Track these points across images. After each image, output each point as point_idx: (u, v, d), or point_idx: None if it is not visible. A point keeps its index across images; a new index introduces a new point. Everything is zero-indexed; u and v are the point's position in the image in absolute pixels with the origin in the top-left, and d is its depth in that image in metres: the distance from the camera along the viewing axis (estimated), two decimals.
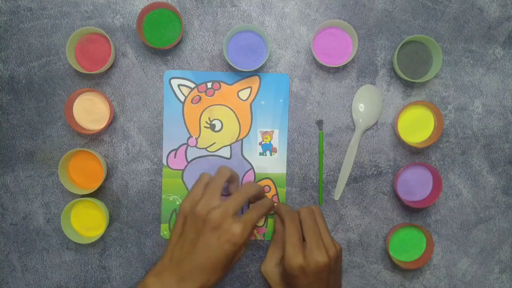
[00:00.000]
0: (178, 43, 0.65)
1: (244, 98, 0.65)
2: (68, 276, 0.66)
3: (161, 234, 0.66)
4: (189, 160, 0.66)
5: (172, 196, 0.66)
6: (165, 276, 0.55)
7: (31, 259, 0.66)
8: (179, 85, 0.65)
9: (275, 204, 0.62)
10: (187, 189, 0.66)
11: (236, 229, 0.54)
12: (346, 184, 0.66)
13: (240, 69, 0.63)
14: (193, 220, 0.56)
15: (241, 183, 0.66)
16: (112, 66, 0.66)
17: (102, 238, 0.66)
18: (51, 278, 0.66)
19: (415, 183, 0.65)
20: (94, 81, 0.66)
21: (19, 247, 0.66)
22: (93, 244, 0.66)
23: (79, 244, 0.66)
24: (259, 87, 0.65)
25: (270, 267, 0.61)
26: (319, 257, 0.55)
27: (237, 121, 0.65)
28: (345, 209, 0.66)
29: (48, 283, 0.66)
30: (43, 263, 0.66)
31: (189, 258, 0.55)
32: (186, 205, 0.57)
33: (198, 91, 0.65)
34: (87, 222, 0.65)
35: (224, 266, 0.55)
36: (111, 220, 0.66)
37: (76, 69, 0.63)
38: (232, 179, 0.61)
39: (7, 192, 0.66)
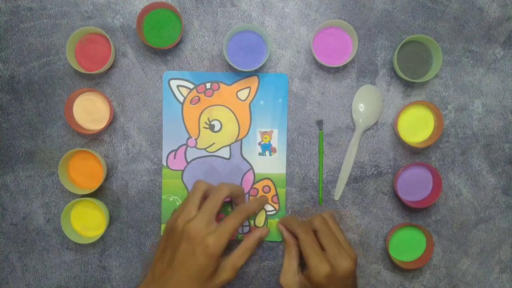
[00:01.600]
0: (178, 43, 0.65)
1: (243, 98, 0.65)
2: (68, 276, 0.66)
3: (162, 234, 0.66)
4: (188, 160, 0.66)
5: (172, 197, 0.66)
6: (148, 285, 0.55)
7: (31, 259, 0.66)
8: (178, 86, 0.65)
9: (285, 217, 0.62)
10: (187, 189, 0.66)
11: (209, 241, 0.53)
12: (346, 184, 0.66)
13: (240, 69, 0.63)
14: (172, 234, 0.56)
15: (241, 184, 0.66)
16: (112, 66, 0.66)
17: (102, 238, 0.66)
18: (51, 278, 0.66)
19: (415, 183, 0.65)
20: (94, 81, 0.66)
21: (19, 247, 0.66)
22: (93, 244, 0.66)
23: (79, 244, 0.66)
24: (258, 87, 0.65)
25: (290, 278, 0.60)
26: (344, 264, 0.55)
27: (236, 121, 0.65)
28: (345, 209, 0.66)
29: (48, 283, 0.66)
30: (43, 263, 0.66)
31: (168, 273, 0.54)
32: (172, 221, 0.57)
33: (197, 91, 0.65)
34: (87, 222, 0.65)
35: (204, 280, 0.54)
36: (111, 220, 0.66)
37: (76, 69, 0.63)
38: (235, 196, 0.60)
39: (7, 192, 0.66)
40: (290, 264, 0.61)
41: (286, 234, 0.62)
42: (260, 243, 0.63)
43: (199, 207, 0.57)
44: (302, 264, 0.60)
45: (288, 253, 0.61)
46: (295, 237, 0.60)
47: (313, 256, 0.55)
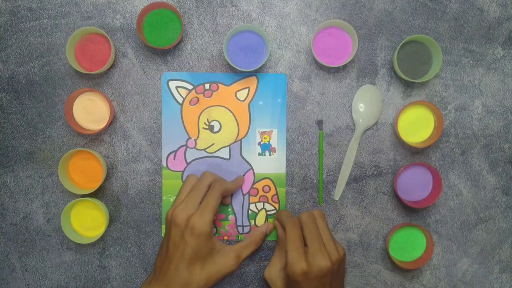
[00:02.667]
0: (178, 43, 0.65)
1: (242, 99, 0.65)
2: (68, 276, 0.66)
3: (162, 235, 0.66)
4: (188, 161, 0.66)
5: (173, 198, 0.66)
6: (152, 286, 0.57)
7: (31, 259, 0.66)
8: (177, 87, 0.65)
9: (278, 211, 0.62)
10: None
11: (193, 220, 0.55)
12: (346, 184, 0.66)
13: (240, 69, 0.63)
14: (167, 227, 0.58)
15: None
16: (112, 66, 0.66)
17: (102, 238, 0.66)
18: (51, 278, 0.66)
19: (415, 183, 0.65)
20: (94, 81, 0.66)
21: (19, 247, 0.66)
22: (93, 244, 0.66)
23: (79, 244, 0.66)
24: (257, 87, 0.65)
25: (274, 272, 0.61)
26: (321, 262, 0.55)
27: (235, 121, 0.65)
28: (345, 209, 0.66)
29: (48, 283, 0.66)
30: (43, 263, 0.66)
31: (166, 264, 0.56)
32: (167, 213, 0.60)
33: (196, 92, 0.65)
34: (87, 222, 0.65)
35: (201, 262, 0.56)
36: (111, 220, 0.66)
37: (76, 69, 0.63)
38: (227, 194, 0.63)
39: (7, 192, 0.66)
40: (277, 262, 0.61)
41: (280, 230, 0.62)
42: (265, 238, 0.64)
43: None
44: None
45: (279, 248, 0.62)
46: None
47: (292, 252, 0.56)
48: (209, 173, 0.61)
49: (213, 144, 0.66)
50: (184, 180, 0.66)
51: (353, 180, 0.66)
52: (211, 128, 0.65)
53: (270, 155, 0.66)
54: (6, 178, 0.66)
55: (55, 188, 0.66)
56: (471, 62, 0.66)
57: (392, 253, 0.65)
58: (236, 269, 0.59)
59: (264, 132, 0.66)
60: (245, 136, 0.66)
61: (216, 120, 0.65)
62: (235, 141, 0.66)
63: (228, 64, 0.65)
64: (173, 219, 0.57)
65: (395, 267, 0.66)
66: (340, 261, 0.57)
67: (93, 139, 0.66)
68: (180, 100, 0.66)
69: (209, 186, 0.60)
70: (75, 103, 0.65)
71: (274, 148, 0.66)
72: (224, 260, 0.58)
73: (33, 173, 0.66)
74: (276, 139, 0.65)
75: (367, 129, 0.66)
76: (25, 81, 0.66)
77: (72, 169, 0.65)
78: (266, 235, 0.64)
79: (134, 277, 0.66)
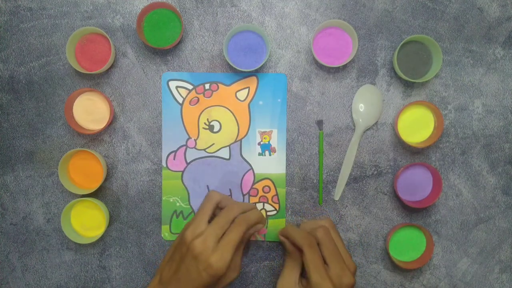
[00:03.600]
0: (178, 43, 0.65)
1: (242, 99, 0.65)
2: (68, 276, 0.66)
3: (162, 235, 0.66)
4: (188, 161, 0.66)
5: (172, 198, 0.66)
6: None
7: (31, 259, 0.66)
8: (177, 87, 0.65)
9: (286, 228, 0.60)
10: (187, 190, 0.66)
11: (213, 260, 0.54)
12: (346, 184, 0.66)
13: (240, 69, 0.63)
14: (180, 245, 0.57)
15: (241, 184, 0.66)
16: (112, 66, 0.66)
17: (102, 238, 0.66)
18: (51, 278, 0.66)
19: (415, 183, 0.65)
20: (94, 81, 0.66)
21: (19, 247, 0.66)
22: (93, 244, 0.66)
23: (79, 244, 0.66)
24: (257, 87, 0.65)
25: (288, 285, 0.58)
26: (346, 280, 0.55)
27: (235, 121, 0.65)
28: (345, 209, 0.66)
29: (48, 283, 0.66)
30: (43, 263, 0.66)
31: (174, 281, 0.55)
32: (183, 232, 0.58)
33: (196, 92, 0.65)
34: (87, 222, 0.65)
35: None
36: (111, 220, 0.66)
37: (76, 69, 0.63)
38: (222, 205, 0.61)
39: (7, 192, 0.66)
40: (291, 274, 0.59)
41: (289, 245, 0.59)
42: (248, 240, 0.63)
43: (209, 220, 0.58)
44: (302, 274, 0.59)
45: (290, 262, 0.60)
46: (298, 248, 0.58)
47: (316, 273, 0.55)
48: (238, 204, 0.59)
49: (213, 144, 0.66)
50: (185, 183, 0.66)
51: (353, 180, 0.66)
52: (211, 128, 0.65)
53: (270, 155, 0.66)
54: (6, 178, 0.66)
55: (55, 188, 0.66)
56: (471, 62, 0.66)
57: (392, 253, 0.64)
58: (239, 275, 0.59)
59: (264, 132, 0.66)
60: (245, 136, 0.66)
61: (216, 120, 0.65)
62: (235, 141, 0.66)
63: (228, 64, 0.65)
64: (191, 248, 0.55)
65: (395, 267, 0.66)
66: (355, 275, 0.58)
67: (93, 139, 0.66)
68: (180, 100, 0.66)
69: (233, 218, 0.58)
70: (75, 103, 0.65)
71: (274, 148, 0.66)
72: (228, 276, 0.57)
73: (33, 173, 0.66)
74: (276, 139, 0.65)
75: (367, 129, 0.66)
76: (25, 81, 0.66)
77: (72, 169, 0.65)
78: (250, 237, 0.62)
79: (134, 277, 0.66)
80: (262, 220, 0.60)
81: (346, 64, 0.65)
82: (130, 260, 0.66)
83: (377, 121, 0.66)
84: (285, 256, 0.61)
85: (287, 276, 0.59)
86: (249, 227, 0.58)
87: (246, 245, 0.61)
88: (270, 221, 0.66)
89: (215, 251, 0.54)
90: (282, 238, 0.60)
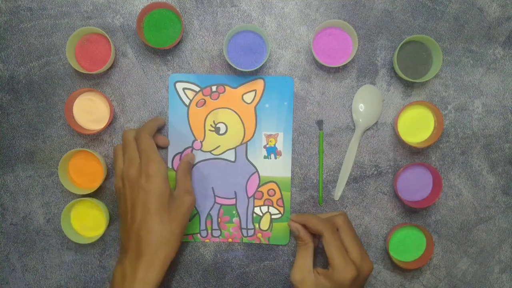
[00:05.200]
0: (178, 43, 0.65)
1: (249, 101, 0.65)
2: (68, 276, 0.66)
3: None
4: (194, 163, 0.66)
5: None
6: (123, 262, 0.56)
7: (31, 259, 0.66)
8: (184, 89, 0.65)
9: (302, 214, 0.60)
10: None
11: (146, 167, 0.56)
12: (346, 184, 0.66)
13: (240, 69, 0.63)
14: (119, 194, 0.59)
15: (246, 187, 0.65)
16: (112, 66, 0.66)
17: (102, 238, 0.66)
18: (51, 278, 0.66)
19: (415, 183, 0.65)
20: (94, 81, 0.66)
21: (19, 247, 0.66)
22: (93, 244, 0.66)
23: (79, 244, 0.66)
24: (263, 90, 0.65)
25: (305, 275, 0.57)
26: (366, 265, 0.56)
27: (241, 124, 0.65)
28: (345, 209, 0.66)
29: (48, 283, 0.66)
30: (43, 263, 0.66)
31: (133, 228, 0.55)
32: (115, 183, 0.60)
33: (203, 94, 0.65)
34: (87, 222, 0.65)
35: (165, 208, 0.56)
36: (111, 220, 0.66)
37: (76, 69, 0.63)
38: (153, 132, 0.62)
39: (7, 192, 0.66)
40: (305, 261, 0.58)
41: (303, 233, 0.59)
42: (192, 165, 0.65)
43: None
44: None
45: (304, 250, 0.59)
46: (312, 236, 0.59)
47: (339, 257, 0.55)
48: (128, 130, 0.61)
49: (218, 146, 0.65)
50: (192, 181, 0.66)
51: (353, 180, 0.66)
52: (217, 130, 0.65)
53: (275, 158, 0.65)
54: (6, 178, 0.66)
55: (55, 188, 0.66)
56: (471, 62, 0.66)
57: (392, 253, 0.64)
58: (195, 200, 0.60)
59: (270, 135, 0.65)
60: (251, 138, 0.65)
61: (222, 122, 0.65)
62: (241, 144, 0.65)
63: (228, 64, 0.65)
64: (125, 178, 0.57)
65: (395, 267, 0.66)
66: None
67: (93, 139, 0.66)
68: (186, 101, 0.65)
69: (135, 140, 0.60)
70: (75, 103, 0.65)
71: (280, 151, 0.65)
72: (181, 201, 0.58)
73: (33, 173, 0.66)
74: (282, 143, 0.65)
75: (367, 129, 0.66)
76: (25, 81, 0.66)
77: (72, 169, 0.65)
78: (190, 163, 0.64)
79: None
80: (157, 122, 0.63)
81: (346, 64, 0.65)
82: None
83: (377, 121, 0.66)
84: (297, 246, 0.60)
85: (301, 265, 0.58)
86: (150, 133, 0.60)
87: (190, 174, 0.64)
88: (274, 225, 0.66)
89: (140, 161, 0.57)
90: (296, 226, 0.60)
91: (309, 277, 0.57)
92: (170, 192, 0.57)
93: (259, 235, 0.66)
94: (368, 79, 0.66)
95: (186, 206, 0.58)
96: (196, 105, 0.65)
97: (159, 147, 0.64)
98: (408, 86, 0.66)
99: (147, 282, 0.54)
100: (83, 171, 0.65)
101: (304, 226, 0.59)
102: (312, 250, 0.59)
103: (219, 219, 0.66)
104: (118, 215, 0.65)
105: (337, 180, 0.66)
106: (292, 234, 0.64)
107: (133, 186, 0.56)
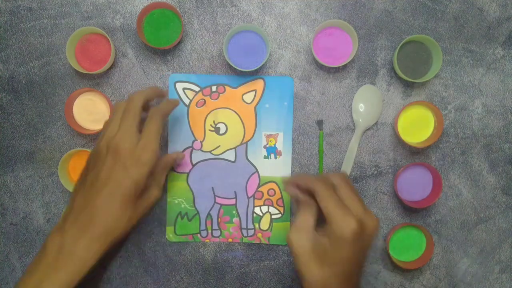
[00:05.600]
0: (178, 43, 0.65)
1: (249, 101, 0.65)
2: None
3: (167, 236, 0.66)
4: (194, 163, 0.66)
5: (177, 199, 0.66)
6: (65, 229, 0.49)
7: (31, 259, 0.66)
8: (184, 89, 0.65)
9: (295, 176, 0.54)
10: (192, 192, 0.66)
11: (139, 151, 0.51)
12: None
13: (240, 69, 0.63)
14: (95, 156, 0.53)
15: (246, 187, 0.65)
16: (112, 66, 0.66)
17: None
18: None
19: (415, 183, 0.65)
20: (94, 81, 0.66)
21: (19, 247, 0.66)
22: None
23: None
24: (263, 90, 0.65)
25: (303, 234, 0.51)
26: (371, 221, 0.49)
27: (241, 124, 0.65)
28: None
29: None
30: None
31: (93, 198, 0.49)
32: (94, 147, 0.54)
33: (203, 94, 0.65)
34: None
35: (133, 200, 0.51)
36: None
37: (76, 69, 0.63)
38: (153, 98, 0.58)
39: (7, 192, 0.66)
40: (305, 220, 0.52)
41: (302, 195, 0.53)
42: (173, 164, 0.63)
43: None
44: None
45: (304, 209, 0.53)
46: (312, 196, 0.53)
47: (337, 211, 0.48)
48: (138, 94, 0.56)
49: (218, 146, 0.65)
50: (190, 185, 0.65)
51: (353, 180, 0.66)
52: (217, 130, 0.65)
53: (275, 158, 0.65)
54: (6, 178, 0.66)
55: (55, 188, 0.66)
56: (471, 62, 0.66)
57: (392, 253, 0.65)
58: (160, 196, 0.56)
59: (270, 135, 0.65)
60: (251, 138, 0.65)
61: (222, 122, 0.65)
62: (241, 144, 0.65)
63: (228, 64, 0.65)
64: (112, 148, 0.51)
65: (395, 267, 0.66)
66: None
67: (93, 139, 0.66)
68: (186, 101, 0.65)
69: (142, 108, 0.55)
70: (75, 103, 0.65)
71: (280, 151, 0.65)
72: (149, 193, 0.54)
73: (33, 173, 0.66)
74: (282, 143, 0.65)
75: (367, 129, 0.66)
76: (25, 81, 0.66)
77: (72, 169, 0.65)
78: (175, 162, 0.62)
79: (134, 277, 0.66)
80: (174, 105, 0.60)
81: (346, 64, 0.65)
82: (130, 260, 0.66)
83: (377, 121, 0.66)
84: (298, 209, 0.54)
85: (299, 223, 0.52)
86: (164, 116, 0.57)
87: (165, 170, 0.60)
88: (274, 225, 0.66)
89: (137, 143, 0.52)
90: (292, 190, 0.54)
91: (308, 236, 0.51)
92: (147, 185, 0.53)
93: (259, 235, 0.66)
94: (368, 79, 0.66)
95: (151, 200, 0.54)
96: (196, 105, 0.65)
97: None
98: (408, 86, 0.66)
99: (85, 262, 0.48)
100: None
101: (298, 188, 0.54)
102: (315, 211, 0.52)
103: (219, 219, 0.66)
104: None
105: None
106: (292, 200, 0.58)
107: (117, 161, 0.51)
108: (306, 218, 0.52)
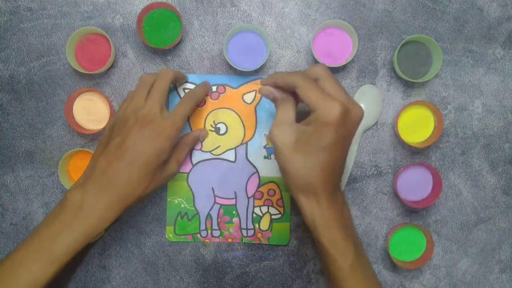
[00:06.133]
0: (178, 43, 0.65)
1: (249, 102, 0.65)
2: (68, 276, 0.66)
3: (166, 236, 0.66)
4: (194, 163, 0.66)
5: (177, 199, 0.66)
6: (86, 187, 0.52)
7: None
8: (184, 89, 0.65)
9: (270, 75, 0.54)
10: (192, 192, 0.66)
11: (167, 124, 0.54)
12: (346, 184, 0.66)
13: (240, 69, 0.63)
14: (120, 125, 0.55)
15: (246, 187, 0.66)
16: (112, 66, 0.66)
17: (102, 238, 0.66)
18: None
19: (415, 183, 0.65)
20: (94, 81, 0.66)
21: None
22: (93, 244, 0.66)
23: None
24: None
25: (284, 130, 0.50)
26: (355, 108, 0.48)
27: (241, 124, 0.65)
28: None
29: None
30: None
31: (116, 163, 0.52)
32: (120, 113, 0.56)
33: None
34: None
35: (155, 168, 0.53)
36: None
37: (76, 69, 0.63)
38: (176, 80, 0.61)
39: (7, 192, 0.66)
40: (286, 114, 0.51)
41: (277, 92, 0.53)
42: (197, 142, 0.65)
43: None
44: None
45: (283, 105, 0.52)
46: (291, 93, 0.52)
47: (321, 98, 0.47)
48: (169, 70, 0.58)
49: (219, 146, 0.65)
50: (190, 184, 0.65)
51: (353, 180, 0.66)
52: (217, 130, 0.65)
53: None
54: (6, 178, 0.66)
55: (55, 188, 0.66)
56: (471, 62, 0.66)
57: (392, 253, 0.65)
58: (177, 172, 0.60)
59: None
60: (251, 139, 0.65)
61: (223, 123, 0.65)
62: (241, 144, 0.65)
63: (228, 64, 0.65)
64: (140, 117, 0.53)
65: (395, 267, 0.66)
66: None
67: (93, 139, 0.66)
68: None
69: (169, 83, 0.58)
70: (75, 103, 0.65)
71: None
72: (168, 167, 0.57)
73: (33, 173, 0.66)
74: None
75: (367, 129, 0.66)
76: (25, 81, 0.66)
77: (72, 169, 0.65)
78: (198, 139, 0.64)
79: (134, 277, 0.66)
80: (208, 91, 0.64)
81: (346, 64, 0.65)
82: (130, 260, 0.66)
83: (377, 121, 0.66)
84: (275, 107, 0.54)
85: (282, 119, 0.51)
86: (197, 102, 0.61)
87: (187, 146, 0.62)
88: (274, 225, 0.66)
89: (167, 117, 0.55)
90: (267, 88, 0.53)
91: (289, 129, 0.50)
92: (167, 157, 0.56)
93: (259, 235, 0.66)
94: (368, 79, 0.66)
95: (168, 173, 0.58)
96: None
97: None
98: (408, 86, 0.66)
99: (101, 222, 0.52)
100: (83, 171, 0.65)
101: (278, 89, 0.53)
102: (294, 105, 0.52)
103: (219, 219, 0.66)
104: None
105: None
106: (268, 99, 0.56)
107: (143, 131, 0.53)
108: (286, 112, 0.52)
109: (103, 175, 0.52)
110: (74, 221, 0.51)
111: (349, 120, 0.48)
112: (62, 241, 0.51)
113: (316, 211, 0.50)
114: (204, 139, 0.65)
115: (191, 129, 0.65)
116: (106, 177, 0.52)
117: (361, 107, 0.49)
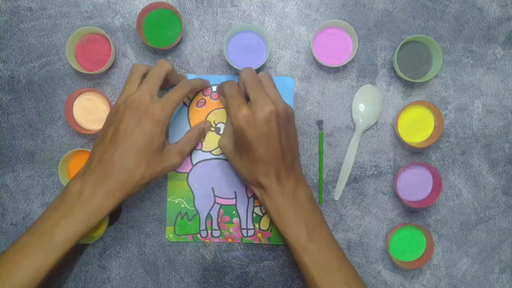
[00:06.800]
0: (178, 43, 0.65)
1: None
2: (68, 276, 0.66)
3: (166, 236, 0.66)
4: (194, 163, 0.66)
5: (177, 199, 0.66)
6: (85, 177, 0.54)
7: None
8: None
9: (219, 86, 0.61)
10: (192, 192, 0.66)
11: (155, 108, 0.54)
12: (346, 184, 0.66)
13: (240, 69, 0.63)
14: (113, 114, 0.56)
15: (246, 187, 0.65)
16: (112, 66, 0.66)
17: (102, 238, 0.66)
18: (51, 278, 0.66)
19: (415, 183, 0.65)
20: (94, 81, 0.66)
21: None
22: (93, 244, 0.66)
23: (79, 244, 0.66)
24: None
25: (226, 139, 0.59)
26: (264, 106, 0.53)
27: None
28: (345, 209, 0.66)
29: (48, 283, 0.66)
30: None
31: (110, 152, 0.54)
32: (114, 105, 0.57)
33: (203, 94, 0.65)
34: None
35: (151, 154, 0.54)
36: (111, 220, 0.66)
37: (76, 69, 0.63)
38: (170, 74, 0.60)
39: (7, 192, 0.66)
40: (228, 126, 0.60)
41: (225, 101, 0.60)
42: (203, 134, 0.65)
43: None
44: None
45: (227, 116, 0.61)
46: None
47: (233, 103, 0.54)
48: (167, 62, 0.58)
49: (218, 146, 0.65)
50: (190, 184, 0.65)
51: (353, 180, 0.66)
52: (217, 130, 0.65)
53: None
54: (6, 178, 0.66)
55: (55, 188, 0.66)
56: (471, 62, 0.66)
57: (392, 253, 0.65)
58: (181, 164, 0.60)
59: None
60: None
61: (223, 123, 0.65)
62: None
63: (228, 64, 0.65)
64: (129, 103, 0.54)
65: (395, 267, 0.66)
66: (287, 113, 0.56)
67: (93, 139, 0.66)
68: (187, 101, 0.65)
69: (165, 77, 0.58)
70: (75, 103, 0.65)
71: None
72: (169, 156, 0.58)
73: (33, 173, 0.66)
74: None
75: (367, 129, 0.66)
76: (25, 81, 0.66)
77: (72, 169, 0.65)
78: (203, 131, 0.64)
79: (134, 277, 0.66)
80: (205, 84, 0.64)
81: (346, 64, 0.65)
82: (130, 260, 0.66)
83: (377, 121, 0.66)
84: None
85: (225, 133, 0.60)
86: (191, 91, 0.60)
87: (194, 139, 0.63)
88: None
89: (156, 101, 0.55)
90: (220, 97, 0.63)
91: (230, 139, 0.58)
92: (163, 143, 0.56)
93: (259, 235, 0.65)
94: (368, 79, 0.66)
95: (169, 163, 0.58)
96: (196, 105, 0.65)
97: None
98: (408, 86, 0.66)
99: (101, 210, 0.53)
100: None
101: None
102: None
103: (219, 219, 0.66)
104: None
105: (337, 180, 0.66)
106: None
107: (133, 117, 0.54)
108: (228, 124, 0.59)
109: (100, 164, 0.54)
110: (74, 209, 0.53)
111: (256, 119, 0.53)
112: (63, 229, 0.52)
113: (266, 201, 0.56)
114: (208, 131, 0.65)
115: None
116: (103, 166, 0.54)
117: (270, 103, 0.54)
